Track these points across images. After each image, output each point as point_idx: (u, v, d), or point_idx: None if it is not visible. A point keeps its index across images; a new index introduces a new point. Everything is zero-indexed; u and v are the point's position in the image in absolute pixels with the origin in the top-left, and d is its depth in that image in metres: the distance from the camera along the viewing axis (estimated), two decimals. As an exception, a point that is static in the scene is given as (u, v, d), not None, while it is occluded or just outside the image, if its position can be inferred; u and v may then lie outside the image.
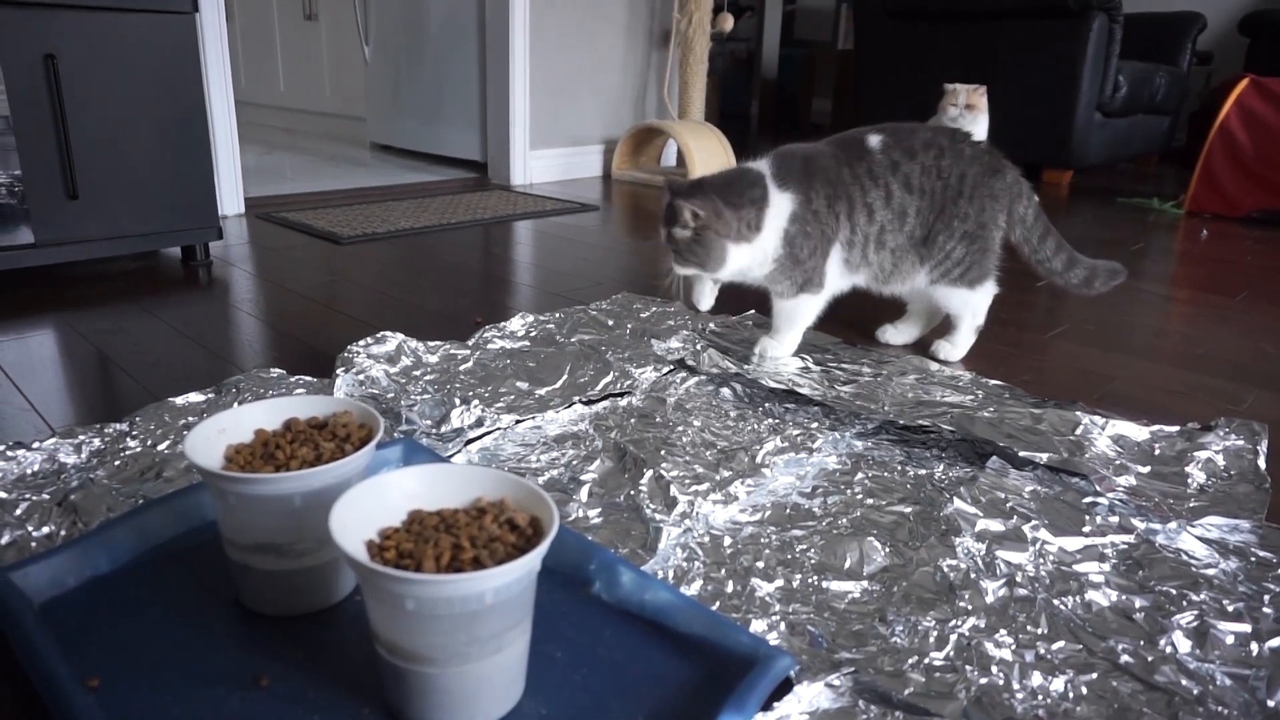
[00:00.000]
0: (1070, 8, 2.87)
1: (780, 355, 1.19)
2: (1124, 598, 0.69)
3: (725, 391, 1.08)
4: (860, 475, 0.88)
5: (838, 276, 1.19)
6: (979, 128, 2.67)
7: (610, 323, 1.28)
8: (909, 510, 0.81)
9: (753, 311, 1.33)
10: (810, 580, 0.71)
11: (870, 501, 0.83)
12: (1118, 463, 0.90)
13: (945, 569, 0.71)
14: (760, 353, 1.19)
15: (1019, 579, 0.71)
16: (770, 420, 1.00)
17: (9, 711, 0.57)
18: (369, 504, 0.56)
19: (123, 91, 1.50)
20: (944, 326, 1.27)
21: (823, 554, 0.74)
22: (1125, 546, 0.76)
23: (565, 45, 2.78)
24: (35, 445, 0.86)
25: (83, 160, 1.47)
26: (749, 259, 1.12)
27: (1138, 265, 1.93)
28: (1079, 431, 0.95)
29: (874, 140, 1.18)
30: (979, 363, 1.23)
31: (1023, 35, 3.00)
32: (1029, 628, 0.65)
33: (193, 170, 1.63)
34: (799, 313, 1.18)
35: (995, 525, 0.78)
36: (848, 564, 0.73)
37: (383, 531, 0.55)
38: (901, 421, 0.97)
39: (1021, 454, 0.89)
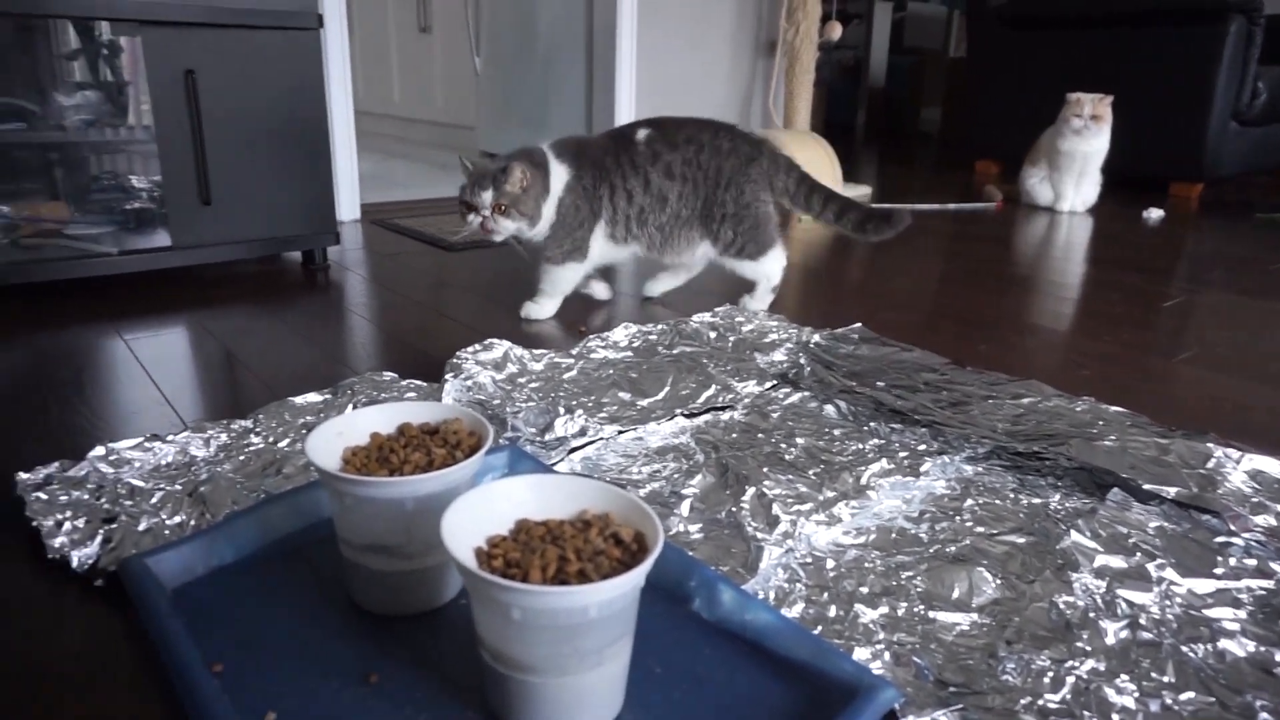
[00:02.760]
0: (1205, 11, 2.71)
1: (541, 317, 1.43)
2: (1263, 649, 0.64)
3: (829, 409, 1.06)
4: (970, 502, 0.85)
5: (606, 248, 1.43)
6: (1103, 138, 2.56)
7: (712, 335, 1.28)
8: (1022, 541, 0.78)
9: (859, 325, 1.31)
10: (916, 609, 0.69)
11: (980, 530, 0.80)
12: (1255, 500, 0.84)
13: (1061, 605, 0.68)
14: (525, 315, 1.42)
15: (1143, 621, 0.67)
16: (876, 440, 0.97)
17: (143, 687, 0.60)
18: (478, 511, 0.57)
19: (253, 103, 1.58)
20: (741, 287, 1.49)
21: (929, 582, 0.72)
22: (1264, 593, 0.71)
23: (670, 55, 2.80)
24: (169, 438, 0.91)
25: (216, 168, 1.56)
26: (547, 216, 1.35)
27: (1277, 286, 1.80)
28: (1211, 465, 0.89)
29: (641, 134, 1.40)
30: (1098, 388, 1.17)
31: (1151, 41, 2.86)
32: (1154, 674, 0.61)
33: (314, 178, 1.70)
34: (564, 278, 1.42)
35: (1117, 562, 0.74)
36: (956, 594, 0.71)
37: (490, 539, 0.56)
38: (1018, 447, 0.93)
39: (1146, 486, 0.84)
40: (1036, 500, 0.85)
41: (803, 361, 1.16)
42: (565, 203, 1.36)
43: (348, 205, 2.27)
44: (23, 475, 0.83)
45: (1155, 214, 2.57)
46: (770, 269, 1.46)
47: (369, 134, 4.46)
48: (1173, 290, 1.73)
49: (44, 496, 0.79)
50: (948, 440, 0.97)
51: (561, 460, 0.92)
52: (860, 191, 2.83)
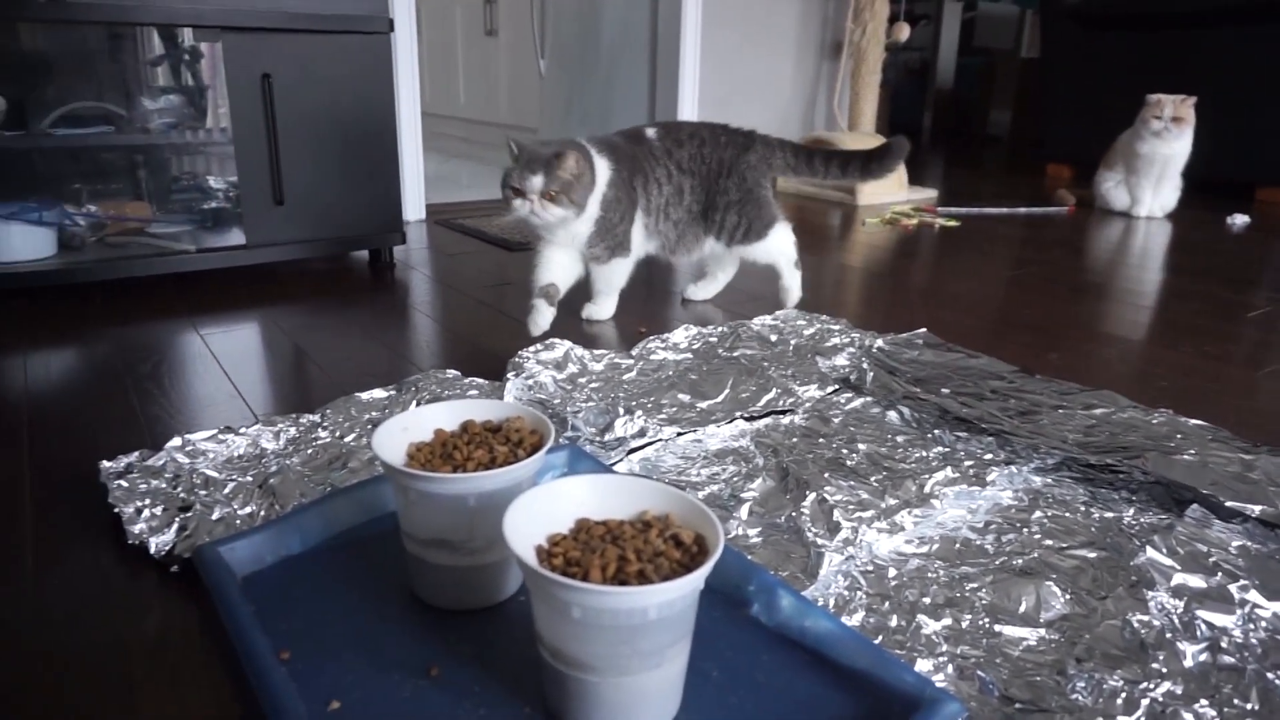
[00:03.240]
0: (1296, 9, 2.60)
1: (602, 317, 1.44)
2: (1353, 676, 0.61)
3: (892, 415, 1.04)
4: (1038, 514, 0.82)
5: (641, 241, 1.43)
6: (1184, 141, 2.46)
7: (773, 338, 1.27)
8: (1093, 556, 0.76)
9: (924, 330, 1.28)
10: (981, 622, 0.67)
11: (1049, 543, 0.78)
12: (1346, 521, 0.80)
13: (1135, 624, 0.66)
14: (587, 317, 1.43)
15: (1224, 644, 0.64)
16: (940, 448, 0.95)
17: (215, 670, 0.62)
18: (540, 509, 0.57)
19: (324, 106, 1.62)
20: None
21: (995, 595, 0.70)
22: (1355, 617, 0.67)
23: (734, 58, 2.78)
24: (241, 430, 0.94)
25: (288, 169, 1.61)
26: (591, 211, 1.33)
27: (1371, 297, 1.71)
28: (1298, 482, 0.85)
29: (650, 132, 1.44)
30: (1177, 400, 1.13)
31: (1236, 40, 2.75)
32: (1236, 701, 0.59)
33: (382, 179, 1.74)
34: (615, 274, 1.42)
35: (1195, 581, 0.71)
36: (1023, 608, 0.69)
37: (551, 538, 0.56)
38: (1089, 459, 0.90)
39: (1229, 504, 0.81)
40: (1109, 514, 0.82)
41: (865, 366, 1.14)
42: (609, 197, 1.35)
43: (414, 205, 2.32)
44: (106, 463, 0.86)
45: (1240, 220, 2.47)
46: (781, 244, 1.50)
47: (434, 135, 4.54)
48: (1258, 300, 1.66)
49: (125, 484, 0.83)
50: (1015, 450, 0.94)
51: (620, 460, 0.92)
52: (925, 195, 2.78)
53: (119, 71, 1.77)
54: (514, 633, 0.65)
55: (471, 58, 4.41)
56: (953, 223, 2.38)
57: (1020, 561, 0.75)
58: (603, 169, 1.34)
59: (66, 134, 1.56)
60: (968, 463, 0.91)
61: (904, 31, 2.91)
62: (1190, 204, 2.66)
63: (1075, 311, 1.56)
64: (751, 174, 1.45)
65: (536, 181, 1.26)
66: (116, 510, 0.79)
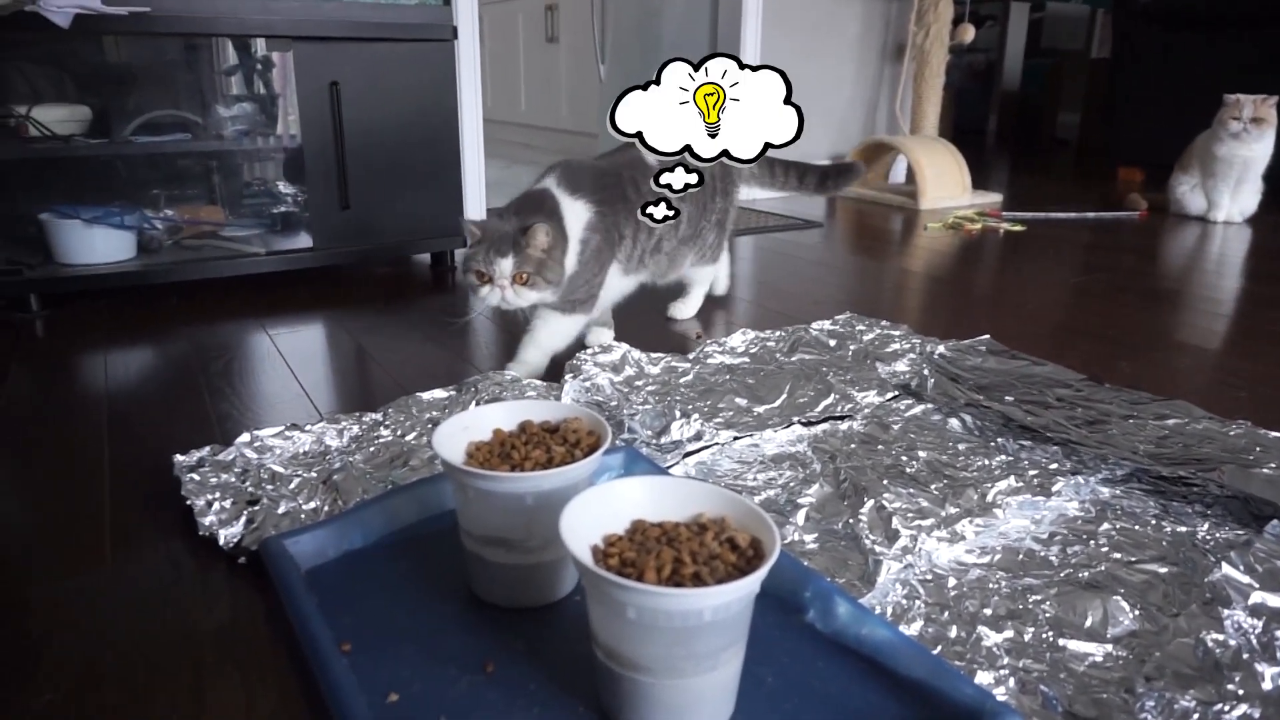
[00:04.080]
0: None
1: (526, 375, 1.15)
2: None
3: (954, 422, 1.02)
4: (1106, 526, 0.80)
5: (616, 284, 1.28)
6: (1265, 143, 2.37)
7: (832, 343, 1.26)
8: (1164, 571, 0.73)
9: (987, 337, 1.25)
10: (1045, 635, 0.65)
11: (1118, 556, 0.75)
12: None
13: (1210, 644, 0.63)
14: (512, 373, 1.14)
15: (1305, 665, 0.61)
16: (1003, 457, 0.93)
17: (279, 659, 0.64)
18: (596, 510, 0.57)
19: (389, 112, 1.66)
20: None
21: (1059, 608, 0.68)
22: None
23: (794, 61, 2.77)
24: (307, 428, 0.97)
25: (355, 175, 1.65)
26: (569, 268, 1.16)
27: None
28: (1388, 499, 0.81)
29: (651, 157, 1.21)
30: (1256, 411, 1.09)
31: (1324, 38, 2.63)
32: (1317, 724, 0.56)
33: (444, 184, 1.77)
34: (566, 330, 1.22)
35: (1276, 600, 0.68)
36: (1089, 622, 0.67)
37: (607, 538, 0.57)
38: (1161, 471, 0.87)
39: (1311, 519, 0.77)
40: (1182, 528, 0.80)
41: (926, 373, 1.12)
42: (588, 246, 1.17)
43: (474, 210, 2.35)
44: (179, 457, 0.89)
45: (1324, 225, 2.37)
46: (714, 272, 1.49)
47: (495, 141, 4.60)
48: (1344, 308, 1.59)
49: (197, 478, 0.85)
50: (1082, 460, 0.91)
51: (676, 464, 0.92)
52: (990, 199, 2.72)
53: (195, 81, 1.84)
54: (569, 632, 0.65)
55: (533, 64, 4.46)
56: (1018, 227, 2.33)
57: (1086, 574, 0.73)
58: (577, 215, 1.17)
59: (146, 141, 1.63)
60: (1032, 472, 0.89)
61: (969, 33, 2.85)
62: (1271, 209, 2.56)
63: (1147, 319, 1.51)
64: (735, 192, 1.41)
65: (505, 265, 1.10)
66: (189, 502, 0.82)
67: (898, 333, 1.29)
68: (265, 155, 1.88)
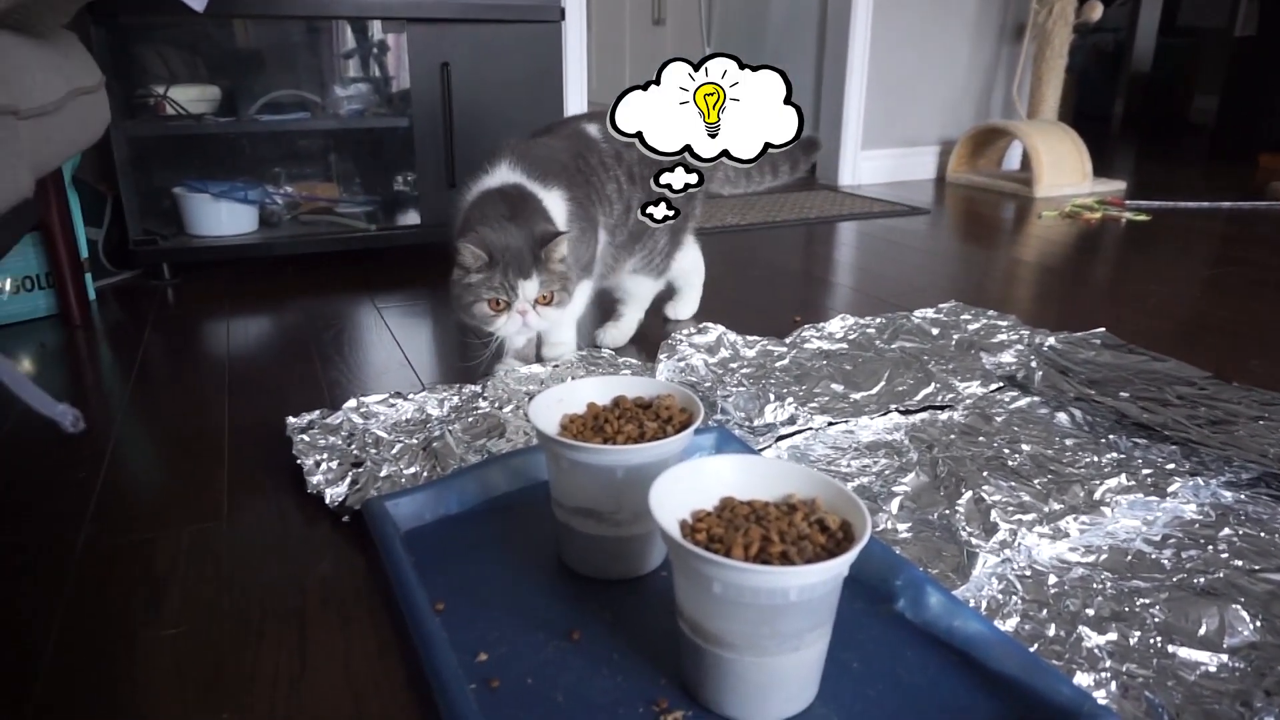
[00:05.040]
0: None
1: (568, 353, 1.13)
2: None
3: (1062, 417, 0.98)
4: (1227, 531, 0.75)
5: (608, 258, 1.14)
6: None
7: (935, 331, 1.22)
8: (1291, 581, 0.68)
9: (1103, 330, 1.19)
10: (1152, 640, 0.62)
11: (1239, 564, 0.71)
12: None
13: (1339, 660, 0.59)
14: (547, 354, 1.12)
15: None
16: (1114, 454, 0.89)
17: (377, 614, 0.67)
18: (686, 485, 0.58)
19: (497, 92, 1.69)
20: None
21: (1170, 614, 0.65)
22: None
23: (907, 43, 2.68)
24: (410, 396, 1.00)
25: (462, 154, 1.69)
26: None
27: None
28: None
29: (594, 130, 1.13)
30: (1405, 417, 1.00)
31: None
32: None
33: (548, 164, 1.79)
34: (579, 303, 1.11)
35: None
36: (1203, 631, 0.63)
37: (696, 513, 0.57)
38: (1290, 475, 0.81)
39: None
40: (1313, 538, 0.74)
41: (1034, 365, 1.08)
42: (572, 234, 1.04)
43: (576, 191, 2.37)
44: (291, 419, 0.94)
45: None
46: (653, 293, 1.26)
47: (599, 125, 4.63)
48: None
49: (306, 439, 0.90)
50: (1203, 461, 0.86)
51: (769, 447, 0.91)
52: (1112, 187, 2.58)
53: (315, 63, 1.92)
54: (654, 606, 0.66)
55: (639, 46, 4.47)
56: (1142, 217, 2.20)
57: (1202, 580, 0.69)
58: (557, 204, 1.05)
59: (269, 120, 1.71)
60: (1146, 471, 0.84)
61: (1096, 11, 2.70)
62: None
63: (1284, 316, 1.41)
64: (695, 196, 1.21)
65: (530, 288, 0.95)
66: (298, 461, 0.86)
67: (1005, 323, 1.25)
68: (378, 135, 1.95)
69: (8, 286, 1.33)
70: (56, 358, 1.24)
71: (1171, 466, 0.85)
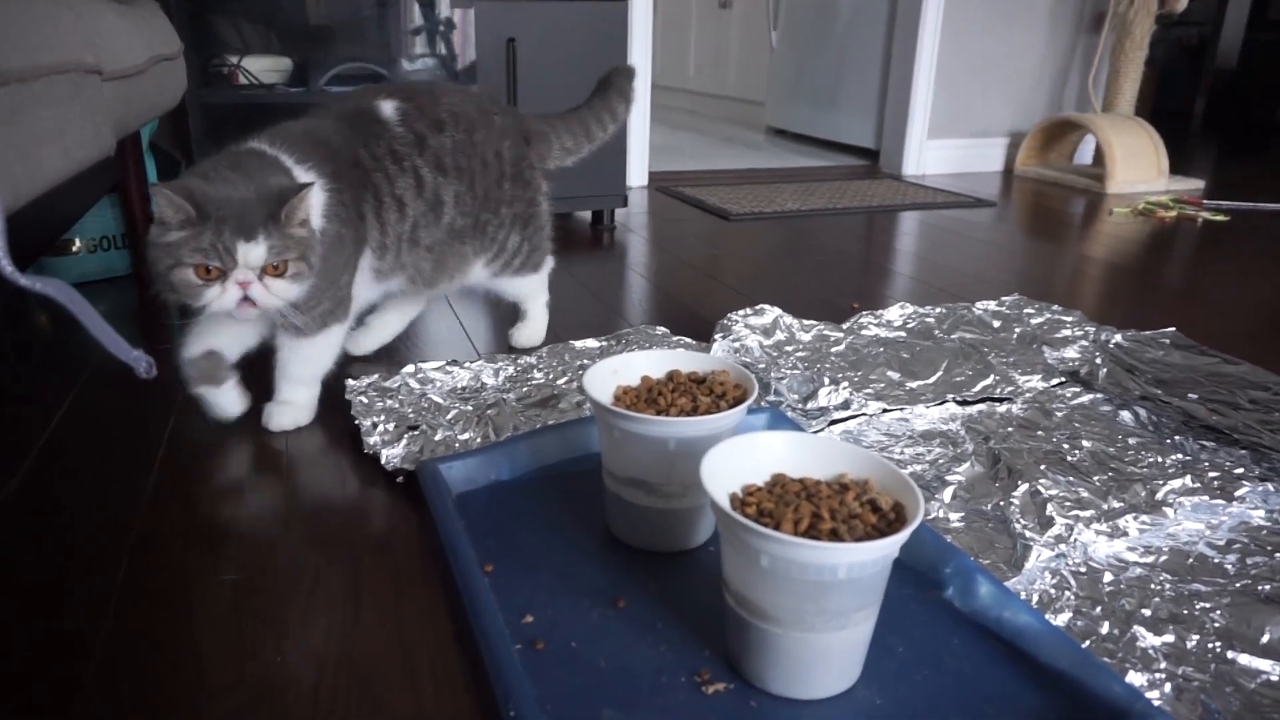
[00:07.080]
0: None
1: (302, 422, 0.91)
2: None
3: (1126, 415, 0.95)
4: (1296, 539, 0.73)
5: (369, 285, 0.95)
6: None
7: (996, 324, 1.19)
8: (1363, 594, 0.66)
9: (1173, 330, 1.16)
10: (1211, 645, 0.60)
11: (1307, 572, 0.68)
12: None
13: None
14: (273, 426, 0.89)
15: None
16: (1180, 455, 0.86)
17: (427, 572, 0.68)
18: (738, 459, 0.58)
19: (560, 70, 1.69)
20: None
21: (1231, 619, 0.63)
22: None
23: (979, 31, 2.61)
24: (466, 365, 1.02)
25: (526, 130, 1.70)
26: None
27: None
28: None
29: (389, 109, 0.94)
30: None
31: None
32: None
33: (608, 145, 1.79)
34: (326, 351, 0.90)
35: None
36: (1266, 639, 0.61)
37: (746, 487, 0.57)
38: (1367, 485, 0.78)
39: None
40: (1389, 550, 0.71)
41: (1099, 361, 1.05)
42: (328, 234, 0.85)
43: (637, 172, 2.37)
44: (351, 381, 0.96)
45: None
46: (544, 281, 1.15)
47: (662, 106, 4.62)
48: None
49: (365, 400, 0.92)
50: (1274, 466, 0.83)
51: (821, 430, 0.91)
52: (1189, 186, 2.49)
53: (383, 38, 1.94)
54: (701, 579, 0.66)
55: (704, 30, 4.43)
56: (1220, 217, 2.12)
57: (1267, 588, 0.66)
58: (316, 190, 0.85)
59: (338, 91, 1.74)
60: (1212, 474, 0.82)
61: (1180, 2, 2.60)
62: None
63: (1368, 324, 1.35)
64: (536, 178, 1.07)
65: (255, 252, 0.77)
66: (356, 422, 0.88)
67: (1070, 318, 1.21)
68: (443, 109, 1.97)
69: (79, 244, 1.37)
70: (130, 314, 1.29)
71: (1240, 471, 0.83)
